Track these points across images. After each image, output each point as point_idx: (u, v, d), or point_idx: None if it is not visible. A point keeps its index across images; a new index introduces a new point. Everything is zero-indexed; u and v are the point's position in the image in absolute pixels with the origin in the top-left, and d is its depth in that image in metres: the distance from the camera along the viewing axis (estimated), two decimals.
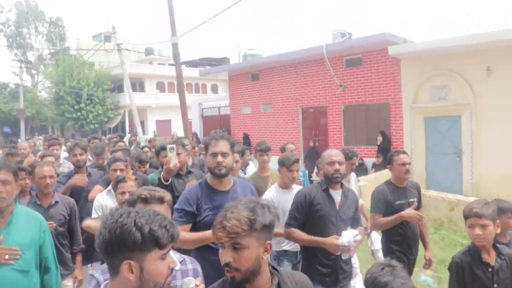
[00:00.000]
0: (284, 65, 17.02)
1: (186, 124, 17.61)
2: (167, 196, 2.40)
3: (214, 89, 46.55)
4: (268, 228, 1.82)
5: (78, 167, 5.49)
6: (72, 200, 4.44)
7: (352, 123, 15.04)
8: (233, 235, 1.72)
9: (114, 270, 1.56)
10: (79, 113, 37.72)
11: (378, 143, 13.73)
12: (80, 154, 5.48)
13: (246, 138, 18.53)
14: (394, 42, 12.89)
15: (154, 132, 37.61)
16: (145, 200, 2.31)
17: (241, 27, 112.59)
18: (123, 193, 3.80)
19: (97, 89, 38.30)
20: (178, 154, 4.75)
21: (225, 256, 1.75)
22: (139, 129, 25.91)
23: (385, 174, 11.54)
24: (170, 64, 41.00)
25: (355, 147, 14.53)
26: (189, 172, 5.20)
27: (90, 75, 38.52)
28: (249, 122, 19.15)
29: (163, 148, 5.82)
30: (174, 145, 4.18)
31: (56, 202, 4.24)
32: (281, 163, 4.61)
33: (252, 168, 7.39)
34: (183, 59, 48.25)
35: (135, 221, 1.52)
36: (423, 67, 12.61)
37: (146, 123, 40.59)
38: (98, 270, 2.16)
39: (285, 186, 4.62)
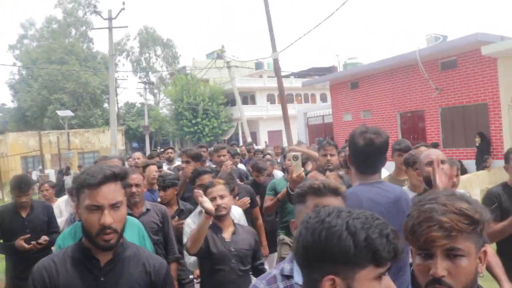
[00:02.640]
0: (380, 72, 17.29)
1: (289, 134, 18.62)
2: (343, 187, 2.07)
3: (324, 98, 47.15)
4: (485, 229, 1.35)
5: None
6: (163, 207, 4.29)
7: (450, 125, 14.90)
8: (455, 234, 1.28)
9: (311, 286, 1.19)
10: (196, 127, 40.58)
11: (477, 144, 13.52)
12: (187, 162, 5.45)
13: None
14: (488, 41, 12.68)
15: (265, 142, 39.16)
16: (318, 191, 2.00)
17: (342, 37, 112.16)
18: (213, 198, 3.39)
19: (212, 104, 40.96)
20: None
21: (438, 267, 1.30)
22: (249, 140, 27.49)
23: (481, 175, 11.46)
24: (283, 77, 42.39)
25: (453, 149, 14.42)
26: None
27: (205, 91, 41.36)
28: (351, 128, 19.55)
29: (221, 148, 6.36)
30: (298, 154, 3.74)
31: (147, 210, 4.12)
32: (408, 163, 4.13)
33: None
34: (293, 70, 49.66)
35: (347, 223, 1.14)
36: None
37: (258, 134, 42.38)
38: (263, 280, 1.90)
39: (415, 188, 4.01)
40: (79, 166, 11.18)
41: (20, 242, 4.54)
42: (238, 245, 3.36)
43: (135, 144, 48.72)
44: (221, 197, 3.42)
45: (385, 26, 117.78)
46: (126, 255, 1.93)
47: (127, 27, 23.11)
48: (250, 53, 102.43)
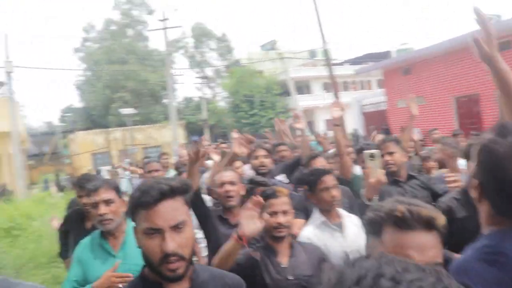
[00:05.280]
0: (434, 57, 17.11)
1: (344, 123, 18.82)
2: (440, 218, 1.32)
3: (380, 84, 46.49)
4: None
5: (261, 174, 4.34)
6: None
7: None
8: None
9: None
10: (253, 119, 41.26)
11: None
12: (265, 157, 4.51)
13: (403, 132, 18.92)
14: None
15: (322, 131, 39.22)
16: (401, 222, 1.25)
17: (394, 22, 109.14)
18: (274, 213, 2.63)
19: (268, 94, 41.48)
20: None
21: None
22: (306, 130, 27.80)
23: None
24: (333, 64, 42.35)
25: None
26: None
27: (261, 83, 41.93)
28: (405, 115, 19.44)
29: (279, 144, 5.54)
30: (376, 151, 2.95)
31: None
32: None
33: None
34: (347, 57, 49.24)
35: None
36: None
37: (314, 123, 42.52)
38: None
39: None
40: (145, 157, 9.87)
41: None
42: (297, 270, 2.57)
43: (195, 137, 50.05)
44: (284, 213, 2.64)
45: (437, 9, 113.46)
46: (202, 280, 1.64)
47: (181, 26, 24.02)
48: (303, 42, 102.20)
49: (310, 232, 3.08)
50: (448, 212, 2.79)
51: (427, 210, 1.29)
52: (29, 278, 3.86)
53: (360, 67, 25.26)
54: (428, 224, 1.26)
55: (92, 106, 46.17)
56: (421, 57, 17.66)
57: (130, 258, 2.58)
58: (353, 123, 24.79)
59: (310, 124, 40.97)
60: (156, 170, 4.66)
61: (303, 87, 44.34)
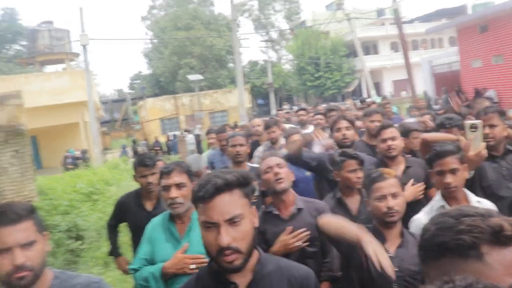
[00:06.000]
0: None
1: (412, 84, 18.25)
2: None
3: (452, 42, 44.23)
4: None
5: (344, 146, 3.92)
6: (322, 204, 3.05)
7: None
8: None
9: None
10: (318, 81, 40.79)
11: None
12: (347, 129, 4.11)
13: (478, 93, 18.08)
14: None
15: (390, 93, 38.18)
16: (507, 239, 0.99)
17: None
18: (383, 197, 2.40)
19: (334, 56, 40.72)
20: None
21: None
22: (372, 92, 27.15)
23: None
24: (403, 22, 40.67)
25: None
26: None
27: (326, 44, 41.16)
28: (480, 76, 18.54)
29: (374, 112, 4.83)
30: (478, 122, 2.74)
31: (299, 210, 2.88)
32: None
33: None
34: (417, 14, 47.02)
35: None
36: None
37: (381, 84, 41.40)
38: None
39: None
40: (209, 133, 8.24)
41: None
42: (404, 263, 2.33)
43: (260, 101, 50.31)
44: (394, 196, 2.39)
45: None
46: (267, 272, 1.64)
47: None
48: (370, 0, 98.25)
49: (423, 219, 2.63)
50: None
51: None
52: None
53: (430, 27, 24.10)
54: None
55: (160, 73, 47.38)
56: (500, 12, 16.53)
57: (194, 245, 2.53)
58: (424, 85, 23.88)
59: (377, 85, 39.91)
60: (241, 145, 4.20)
61: (370, 48, 43.16)
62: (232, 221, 1.49)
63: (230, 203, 1.51)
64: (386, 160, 3.57)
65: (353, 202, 3.19)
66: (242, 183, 1.56)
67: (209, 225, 1.50)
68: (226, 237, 1.47)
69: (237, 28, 26.84)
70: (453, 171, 2.58)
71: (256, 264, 1.61)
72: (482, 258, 0.98)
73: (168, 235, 2.67)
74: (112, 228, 4.16)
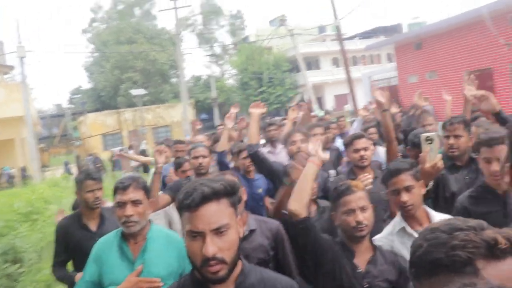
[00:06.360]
0: (446, 31, 16.89)
1: (354, 98, 18.79)
2: None
3: (389, 58, 46.03)
4: None
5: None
6: (275, 224, 2.89)
7: None
8: None
9: None
10: (262, 96, 41.14)
11: None
12: (302, 141, 4.06)
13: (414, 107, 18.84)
14: None
15: (332, 107, 39.07)
16: (501, 252, 0.95)
17: None
18: (351, 211, 2.32)
19: (277, 71, 41.30)
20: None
21: None
22: (315, 106, 27.69)
23: None
24: (344, 39, 42.01)
25: None
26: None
27: (269, 60, 41.71)
28: (416, 91, 19.35)
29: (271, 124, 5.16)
30: (434, 134, 2.74)
31: (251, 232, 2.80)
32: None
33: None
34: (357, 31, 48.71)
35: None
36: None
37: (323, 99, 42.34)
38: None
39: None
40: (161, 143, 7.64)
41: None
42: (374, 279, 2.28)
43: (204, 116, 50.13)
44: (362, 209, 2.31)
45: None
46: (249, 283, 1.61)
47: (190, 6, 23.80)
48: (312, 17, 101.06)
49: (383, 241, 2.59)
50: (463, 212, 2.66)
51: (510, 232, 1.00)
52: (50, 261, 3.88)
53: (370, 44, 24.99)
54: None
55: (101, 87, 46.22)
56: (433, 31, 17.44)
57: (149, 266, 2.38)
58: (364, 99, 24.65)
59: (320, 100, 40.78)
60: (204, 156, 4.12)
61: (312, 63, 44.06)
62: (218, 231, 1.46)
63: (217, 213, 1.47)
64: (356, 170, 3.59)
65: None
66: (229, 192, 1.52)
67: (195, 234, 1.46)
68: (212, 247, 1.43)
69: (181, 43, 26.74)
70: (407, 189, 2.50)
71: (239, 275, 1.58)
72: (477, 273, 0.95)
73: (120, 255, 2.48)
74: (62, 266, 3.53)
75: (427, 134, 2.72)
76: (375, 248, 2.38)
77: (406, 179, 2.50)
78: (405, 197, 2.48)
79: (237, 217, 1.56)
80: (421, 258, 1.03)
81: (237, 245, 1.53)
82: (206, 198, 1.46)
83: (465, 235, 0.98)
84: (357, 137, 3.64)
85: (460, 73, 16.69)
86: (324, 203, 3.29)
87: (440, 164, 2.65)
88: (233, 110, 5.26)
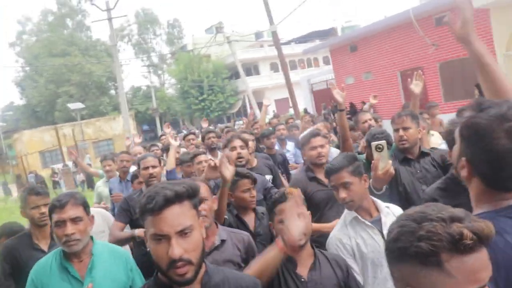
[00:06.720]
0: (377, 33, 17.61)
1: (295, 102, 19.16)
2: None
3: (326, 61, 47.19)
4: None
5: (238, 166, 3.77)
6: (246, 236, 2.81)
7: (450, 79, 15.28)
8: None
9: None
10: (203, 104, 41.15)
11: (476, 96, 13.91)
12: (241, 148, 4.23)
13: (352, 107, 19.45)
14: None
15: (273, 111, 39.51)
16: (466, 247, 0.99)
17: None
18: (281, 221, 2.26)
19: (217, 79, 41.40)
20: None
21: None
22: (257, 112, 27.97)
23: None
24: (281, 44, 42.66)
25: (454, 102, 14.87)
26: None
27: (208, 67, 41.76)
28: (354, 91, 20.02)
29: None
30: (383, 142, 2.85)
31: (222, 242, 2.62)
32: None
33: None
34: (293, 36, 49.64)
35: None
36: None
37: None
38: None
39: None
40: (105, 160, 7.21)
41: None
42: (319, 286, 2.24)
43: (145, 127, 49.44)
44: (299, 217, 2.11)
45: None
46: (214, 283, 1.63)
47: (126, 15, 23.44)
48: (249, 24, 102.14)
49: (337, 235, 2.64)
50: None
51: (481, 225, 1.01)
52: None
53: (307, 48, 25.62)
54: (487, 241, 1.03)
55: (35, 102, 44.65)
56: (366, 34, 18.15)
57: (99, 283, 2.30)
58: (304, 102, 25.19)
59: (260, 105, 41.14)
60: (154, 166, 4.03)
61: (251, 69, 44.47)
62: (183, 233, 1.47)
63: (181, 215, 1.49)
64: (313, 167, 3.65)
65: (249, 220, 3.24)
66: (191, 195, 1.54)
67: (160, 238, 1.47)
68: (178, 249, 1.44)
69: (117, 54, 26.25)
70: (345, 185, 2.56)
71: (203, 276, 1.60)
72: (441, 265, 0.98)
73: (64, 276, 2.35)
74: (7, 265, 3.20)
75: (377, 142, 2.83)
76: (316, 253, 2.33)
77: (344, 176, 2.56)
78: (342, 193, 2.56)
79: (199, 218, 1.58)
80: (391, 244, 1.07)
81: (202, 246, 1.56)
82: (169, 201, 1.47)
83: (432, 227, 1.00)
84: (314, 135, 3.73)
85: (394, 72, 17.46)
86: (261, 209, 3.32)
87: (392, 170, 2.77)
88: (166, 130, 5.37)
